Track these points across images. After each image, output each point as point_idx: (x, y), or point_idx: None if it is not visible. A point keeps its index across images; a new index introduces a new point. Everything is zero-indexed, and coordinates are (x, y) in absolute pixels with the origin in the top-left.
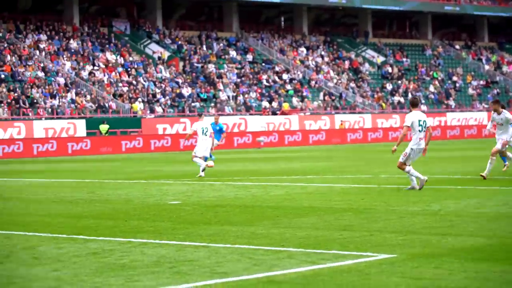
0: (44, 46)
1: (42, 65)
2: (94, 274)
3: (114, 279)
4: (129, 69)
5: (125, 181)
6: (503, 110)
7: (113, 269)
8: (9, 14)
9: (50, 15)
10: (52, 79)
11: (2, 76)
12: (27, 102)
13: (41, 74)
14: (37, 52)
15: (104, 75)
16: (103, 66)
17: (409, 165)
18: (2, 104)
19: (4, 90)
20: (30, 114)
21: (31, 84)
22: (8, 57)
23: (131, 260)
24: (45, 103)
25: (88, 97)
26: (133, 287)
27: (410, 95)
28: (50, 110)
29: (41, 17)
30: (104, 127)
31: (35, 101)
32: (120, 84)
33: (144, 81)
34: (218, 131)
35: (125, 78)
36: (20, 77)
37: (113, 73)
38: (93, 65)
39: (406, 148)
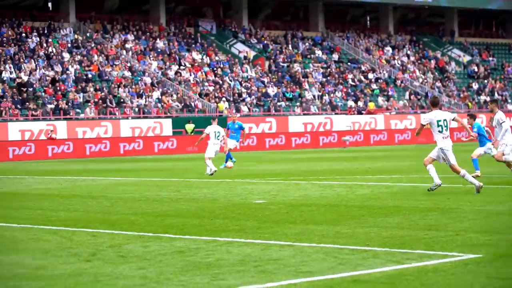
0: (131, 46)
1: (129, 64)
2: (180, 273)
3: (200, 277)
4: (215, 69)
5: (210, 180)
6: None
7: (199, 268)
8: (96, 14)
9: (137, 15)
10: (139, 78)
11: (90, 75)
12: (114, 101)
13: (128, 73)
14: (124, 52)
15: (190, 75)
16: (189, 66)
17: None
18: (89, 104)
19: (91, 89)
20: (117, 113)
21: (118, 83)
22: (95, 57)
23: (216, 259)
24: (131, 102)
25: (174, 97)
26: (218, 285)
27: (496, 95)
28: (136, 109)
29: (128, 17)
30: (190, 127)
31: (122, 100)
32: (206, 84)
33: (230, 80)
34: (237, 130)
35: (211, 77)
36: (107, 77)
37: (199, 73)
38: (179, 64)
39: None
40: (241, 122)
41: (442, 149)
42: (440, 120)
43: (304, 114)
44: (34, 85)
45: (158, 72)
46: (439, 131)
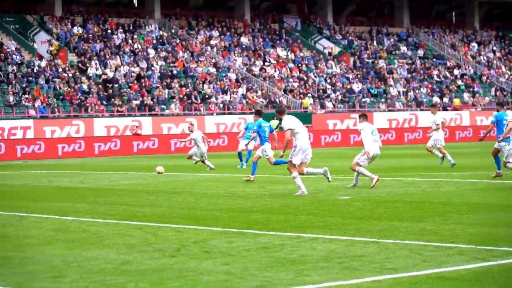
0: (215, 42)
1: (213, 61)
2: (264, 269)
3: (284, 273)
4: (300, 65)
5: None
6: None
7: (283, 264)
8: (181, 11)
9: (221, 12)
10: (224, 74)
11: (175, 72)
12: (198, 97)
13: (212, 70)
14: (209, 48)
15: (275, 71)
16: (274, 62)
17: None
18: (174, 100)
19: (177, 85)
20: (202, 109)
21: (203, 79)
22: (180, 53)
23: (301, 255)
24: (216, 98)
25: (259, 93)
26: (303, 282)
27: None
28: (221, 105)
29: (213, 14)
30: (274, 123)
31: (206, 96)
32: (291, 80)
33: (315, 76)
34: (256, 130)
35: (296, 73)
36: (192, 73)
37: (284, 69)
38: (264, 61)
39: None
40: (262, 121)
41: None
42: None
43: (389, 111)
44: (120, 81)
45: (243, 68)
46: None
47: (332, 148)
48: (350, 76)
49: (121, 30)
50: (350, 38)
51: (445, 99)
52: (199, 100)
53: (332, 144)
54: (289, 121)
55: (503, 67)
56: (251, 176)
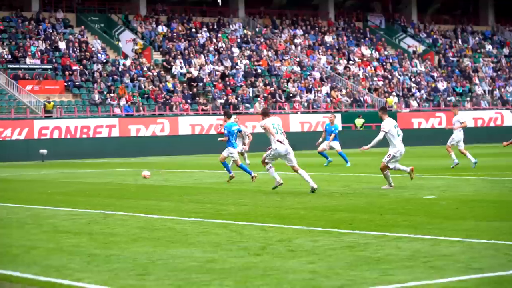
0: (300, 41)
1: (298, 59)
2: (349, 268)
3: (369, 272)
4: (384, 63)
5: (380, 175)
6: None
7: (368, 263)
8: (265, 10)
9: (305, 10)
10: (308, 73)
11: (259, 70)
12: (283, 96)
13: (297, 68)
14: (293, 46)
15: (359, 70)
16: (358, 61)
17: None
18: (259, 99)
19: (261, 84)
20: (286, 108)
21: (287, 78)
22: (265, 52)
23: (386, 254)
24: (300, 97)
25: (344, 91)
26: (388, 281)
27: None
28: (305, 104)
29: (297, 12)
30: (359, 121)
31: (291, 95)
32: (375, 78)
33: (399, 75)
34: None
35: (380, 72)
36: (276, 72)
37: (368, 67)
38: (348, 59)
39: None
40: (233, 123)
41: None
42: None
43: (474, 109)
44: (204, 80)
45: (327, 67)
46: None
47: (419, 147)
48: (435, 74)
49: (206, 29)
50: (434, 36)
51: None
52: (283, 99)
53: (419, 143)
54: (388, 124)
55: None
56: (230, 174)
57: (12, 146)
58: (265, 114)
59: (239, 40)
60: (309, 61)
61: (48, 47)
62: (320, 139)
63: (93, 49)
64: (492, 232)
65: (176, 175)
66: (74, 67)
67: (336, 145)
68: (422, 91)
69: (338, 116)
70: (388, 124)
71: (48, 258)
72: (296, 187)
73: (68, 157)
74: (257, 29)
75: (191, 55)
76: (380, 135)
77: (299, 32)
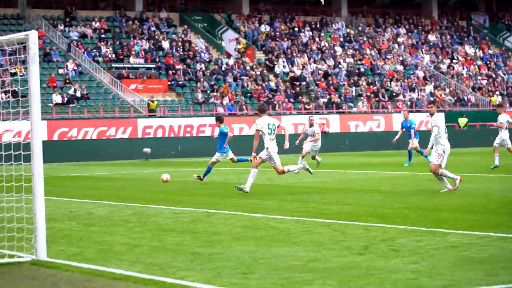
0: (403, 40)
1: (401, 58)
2: (453, 268)
3: (473, 273)
4: (488, 62)
5: (483, 175)
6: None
7: (472, 263)
8: (368, 9)
9: (408, 9)
10: (411, 72)
11: (362, 69)
12: (386, 95)
13: (400, 67)
14: (396, 45)
15: (463, 68)
16: (462, 59)
17: None
18: (362, 98)
19: (364, 83)
20: (389, 107)
21: (390, 77)
22: (368, 51)
23: (490, 255)
24: (404, 96)
25: (447, 90)
26: (492, 282)
27: None
28: (409, 103)
29: (400, 11)
30: (463, 121)
31: (394, 94)
32: (479, 77)
33: (504, 74)
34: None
35: (484, 71)
36: (379, 71)
37: (472, 66)
38: (452, 58)
39: None
40: (225, 127)
41: None
42: None
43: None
44: (307, 79)
45: (430, 66)
46: None
47: None
48: None
49: (308, 28)
50: None
51: None
52: (386, 98)
53: None
54: (440, 119)
55: None
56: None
57: (116, 145)
58: (261, 111)
59: (342, 39)
60: (412, 60)
61: (152, 47)
62: (397, 136)
63: (196, 48)
64: None
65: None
66: (177, 66)
67: (415, 142)
68: None
69: (441, 115)
70: (440, 120)
71: (151, 256)
72: (398, 186)
73: (171, 156)
74: (360, 28)
75: (294, 54)
76: (435, 130)
77: (402, 31)
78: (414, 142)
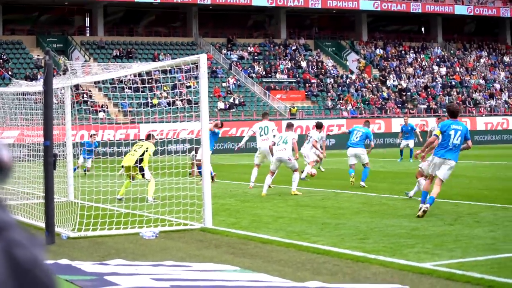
0: (484, 60)
1: (483, 74)
2: None
3: None
4: None
5: None
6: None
7: None
8: (458, 36)
9: (488, 36)
10: (491, 85)
11: (453, 83)
12: (471, 102)
13: (482, 81)
14: (479, 64)
15: None
16: None
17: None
18: None
19: (455, 93)
20: (474, 112)
21: (475, 89)
22: (457, 69)
23: None
24: (485, 103)
25: None
26: None
27: None
28: (488, 109)
29: (482, 38)
30: None
31: (477, 102)
32: None
33: None
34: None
35: None
36: (466, 84)
37: None
38: None
39: None
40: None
41: None
42: None
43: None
44: (411, 90)
45: (505, 80)
46: None
47: None
48: None
49: (412, 51)
50: None
51: None
52: (471, 105)
53: None
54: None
55: None
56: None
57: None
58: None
59: (438, 59)
60: (491, 76)
61: (293, 66)
62: (398, 140)
63: (327, 66)
64: None
65: (390, 163)
66: (312, 81)
67: (411, 143)
68: None
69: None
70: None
71: (291, 225)
72: (481, 173)
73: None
74: (451, 51)
75: (401, 71)
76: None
77: (484, 53)
78: (408, 143)
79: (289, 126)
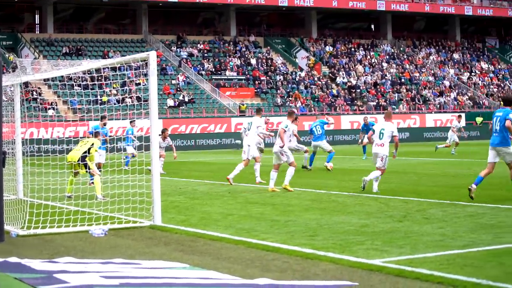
0: (433, 57)
1: (432, 71)
2: (470, 232)
3: (485, 235)
4: (498, 75)
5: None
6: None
7: (484, 228)
8: (407, 33)
9: (438, 34)
10: (440, 82)
11: (403, 80)
12: (421, 99)
13: (431, 78)
14: (428, 62)
15: (479, 79)
16: (478, 73)
17: None
18: (402, 101)
19: (404, 90)
20: (423, 109)
21: (424, 86)
22: (407, 66)
23: (498, 221)
24: (434, 100)
25: (467, 96)
26: (499, 242)
27: None
28: (438, 106)
29: (431, 35)
30: (479, 119)
31: (426, 99)
32: (492, 86)
33: (510, 83)
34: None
35: (495, 81)
36: (416, 81)
37: (486, 78)
38: (471, 72)
39: None
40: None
41: None
42: None
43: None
44: (361, 87)
45: (454, 77)
46: None
47: None
48: None
49: (362, 48)
50: None
51: None
52: (421, 102)
53: None
54: None
55: None
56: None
57: (215, 137)
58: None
59: (387, 56)
60: (440, 73)
61: (243, 63)
62: (360, 139)
63: (276, 64)
64: None
65: (339, 160)
66: (262, 78)
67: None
68: None
69: (463, 115)
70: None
71: (240, 222)
72: (430, 170)
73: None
74: (401, 48)
75: (351, 68)
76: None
77: (433, 50)
78: (365, 140)
79: (290, 114)
